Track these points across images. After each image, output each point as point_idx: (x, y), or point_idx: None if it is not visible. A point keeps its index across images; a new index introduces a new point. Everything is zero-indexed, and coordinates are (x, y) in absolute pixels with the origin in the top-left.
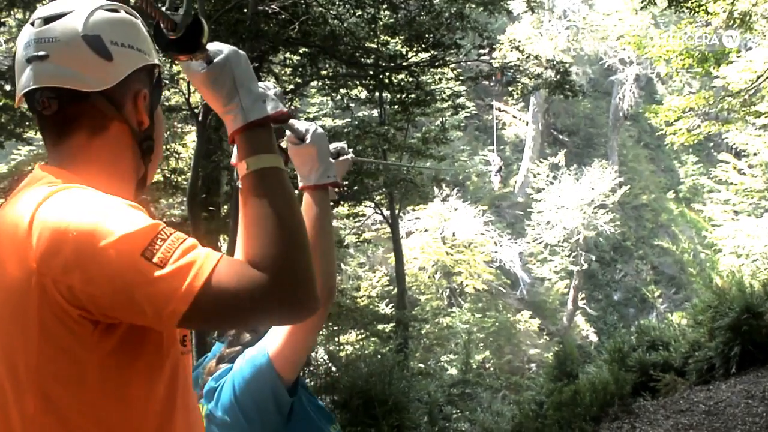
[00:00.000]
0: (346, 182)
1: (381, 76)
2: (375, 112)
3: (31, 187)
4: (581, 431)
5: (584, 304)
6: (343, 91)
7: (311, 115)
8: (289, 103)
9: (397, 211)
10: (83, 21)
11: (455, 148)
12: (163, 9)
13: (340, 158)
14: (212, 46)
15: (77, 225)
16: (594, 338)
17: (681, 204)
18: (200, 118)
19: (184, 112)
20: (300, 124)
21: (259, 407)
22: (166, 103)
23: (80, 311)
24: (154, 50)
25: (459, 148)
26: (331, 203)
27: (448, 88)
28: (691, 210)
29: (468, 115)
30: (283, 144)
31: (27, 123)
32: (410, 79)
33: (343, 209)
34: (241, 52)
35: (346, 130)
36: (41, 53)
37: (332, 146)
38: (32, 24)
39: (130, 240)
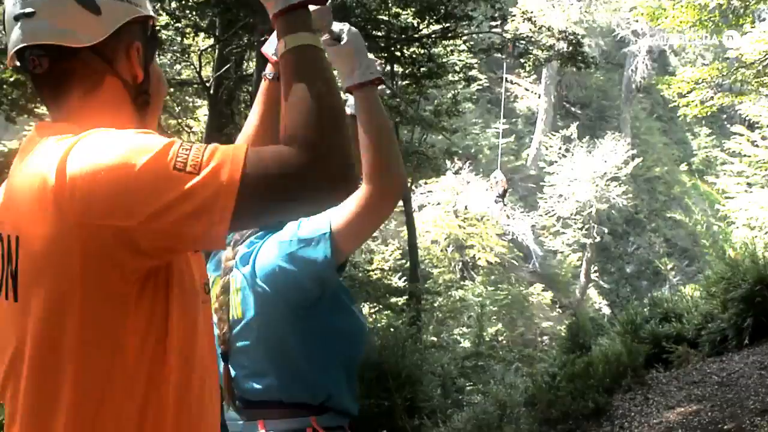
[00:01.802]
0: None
1: (392, 49)
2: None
3: (41, 143)
4: (594, 402)
5: (597, 276)
6: None
7: None
8: None
9: (409, 184)
10: None
11: (467, 121)
12: None
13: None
14: None
15: (106, 164)
16: (607, 311)
17: (694, 176)
18: (211, 92)
19: (196, 86)
20: (334, 25)
21: (303, 278)
22: (178, 77)
23: (131, 255)
24: (147, 1)
25: (471, 120)
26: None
27: (460, 60)
28: (704, 182)
29: (480, 87)
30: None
31: (39, 99)
32: (422, 52)
33: None
34: None
35: None
36: (27, 10)
37: None
38: None
39: (158, 159)
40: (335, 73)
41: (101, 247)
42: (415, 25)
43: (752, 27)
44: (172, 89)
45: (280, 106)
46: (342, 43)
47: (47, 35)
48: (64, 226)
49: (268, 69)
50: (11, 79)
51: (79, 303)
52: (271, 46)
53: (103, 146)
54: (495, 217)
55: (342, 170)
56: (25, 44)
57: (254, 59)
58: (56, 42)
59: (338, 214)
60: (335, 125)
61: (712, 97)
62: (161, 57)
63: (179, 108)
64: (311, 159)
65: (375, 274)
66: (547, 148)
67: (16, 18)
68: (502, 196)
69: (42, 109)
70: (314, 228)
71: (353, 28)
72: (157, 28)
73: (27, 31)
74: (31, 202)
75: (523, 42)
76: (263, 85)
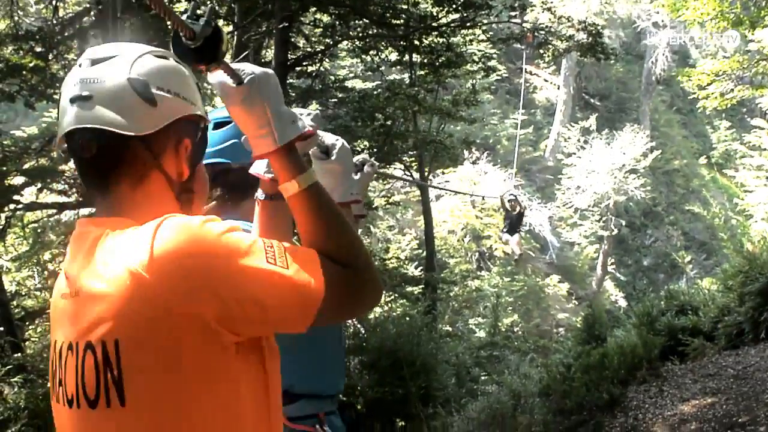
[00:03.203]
0: (376, 148)
1: (411, 38)
2: (405, 75)
3: (110, 242)
4: (609, 394)
5: (614, 269)
6: (372, 52)
7: (341, 77)
8: (319, 64)
9: (426, 174)
10: (130, 64)
11: (486, 111)
12: (184, 17)
13: (365, 169)
14: (243, 67)
15: (206, 252)
16: (623, 303)
17: (713, 169)
18: None
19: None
20: (327, 137)
21: None
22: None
23: (227, 332)
24: (201, 101)
25: (489, 111)
26: (359, 218)
27: (478, 50)
28: (723, 176)
29: (499, 78)
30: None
31: (58, 84)
32: (441, 41)
33: None
34: (271, 72)
35: (375, 92)
36: (85, 93)
37: (355, 158)
38: (80, 65)
39: (255, 251)
40: None
41: (203, 330)
42: (434, 13)
43: None
44: None
45: (275, 223)
46: (331, 158)
47: (99, 120)
48: (167, 318)
49: (260, 191)
50: (30, 65)
51: (196, 386)
52: (261, 166)
53: (191, 235)
54: (511, 251)
55: (377, 280)
56: (75, 126)
57: (272, 46)
58: (107, 127)
59: None
60: (363, 249)
61: (732, 90)
62: None
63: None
64: (361, 278)
65: (391, 262)
66: (565, 140)
67: (72, 100)
68: (517, 224)
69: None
70: None
71: (344, 145)
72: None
73: (81, 113)
74: (125, 301)
75: (543, 32)
76: (256, 208)
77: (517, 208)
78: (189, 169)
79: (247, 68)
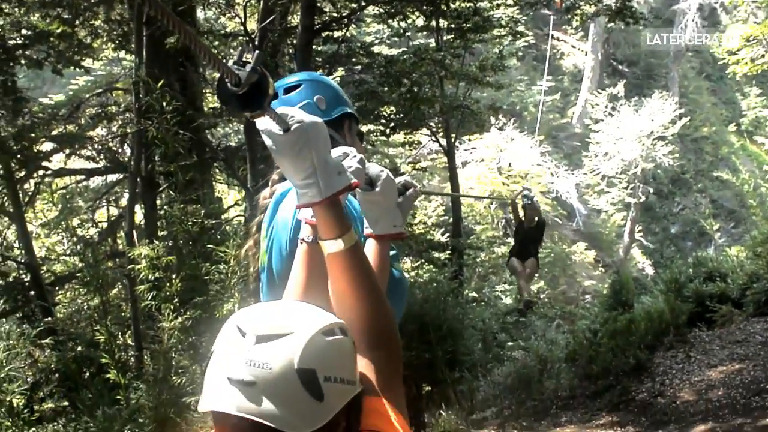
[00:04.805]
0: (402, 113)
1: (438, 2)
2: (431, 40)
3: None
4: (635, 359)
5: (641, 236)
6: (399, 17)
7: (367, 43)
8: (345, 29)
9: (453, 140)
10: (300, 350)
11: (513, 78)
12: (230, 63)
13: (408, 193)
14: (291, 113)
15: None
16: (650, 271)
17: (742, 137)
18: (256, 43)
19: (241, 39)
20: (372, 168)
21: None
22: (223, 30)
23: None
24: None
25: (516, 77)
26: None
27: (506, 14)
28: (753, 143)
29: (526, 44)
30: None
31: (85, 51)
32: (468, 5)
33: (398, 137)
34: (319, 120)
35: (402, 57)
36: (249, 379)
37: (397, 180)
38: (243, 334)
39: None
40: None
41: None
42: None
43: None
44: (216, 42)
45: (323, 268)
46: (376, 189)
47: (262, 413)
48: None
49: (307, 232)
50: (57, 32)
51: None
52: (308, 210)
53: None
54: (518, 287)
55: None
56: (235, 413)
57: (298, 12)
58: (269, 423)
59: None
60: (390, 320)
61: (763, 55)
62: (206, 10)
63: (225, 60)
64: (398, 350)
65: (418, 228)
66: (593, 107)
67: (233, 381)
68: (535, 241)
69: (88, 62)
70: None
71: (389, 176)
72: None
73: (241, 401)
74: None
75: None
76: (302, 249)
77: (536, 219)
78: None
79: (296, 115)
